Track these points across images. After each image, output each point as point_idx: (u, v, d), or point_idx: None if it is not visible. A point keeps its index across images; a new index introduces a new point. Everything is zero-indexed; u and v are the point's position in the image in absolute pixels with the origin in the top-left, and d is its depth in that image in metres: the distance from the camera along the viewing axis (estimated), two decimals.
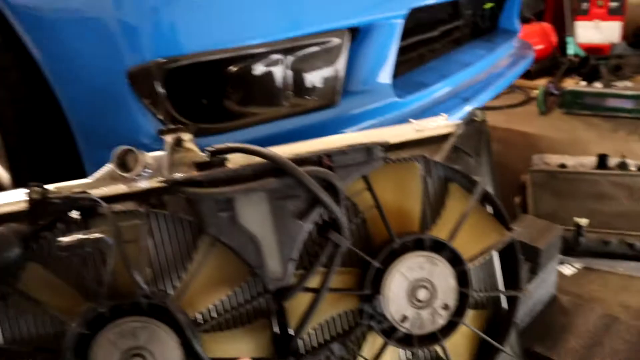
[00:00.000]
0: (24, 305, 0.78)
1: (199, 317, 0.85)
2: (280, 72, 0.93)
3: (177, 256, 0.83)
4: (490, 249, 0.89)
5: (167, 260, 0.83)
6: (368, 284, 0.84)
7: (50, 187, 0.80)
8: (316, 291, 0.79)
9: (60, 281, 0.80)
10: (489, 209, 0.93)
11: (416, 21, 1.11)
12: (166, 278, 0.83)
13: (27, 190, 0.78)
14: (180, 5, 0.87)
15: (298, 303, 0.84)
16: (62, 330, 0.81)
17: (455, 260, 0.86)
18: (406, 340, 0.88)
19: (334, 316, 0.90)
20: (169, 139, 0.81)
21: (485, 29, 1.56)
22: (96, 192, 0.81)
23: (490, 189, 0.90)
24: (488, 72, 1.36)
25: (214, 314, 0.86)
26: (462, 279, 0.87)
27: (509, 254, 0.94)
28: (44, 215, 0.78)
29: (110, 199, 0.80)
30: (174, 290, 0.83)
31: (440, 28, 1.39)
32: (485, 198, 0.90)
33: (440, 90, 1.17)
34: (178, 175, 0.74)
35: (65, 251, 0.70)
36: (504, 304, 0.98)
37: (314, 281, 0.80)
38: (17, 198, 0.81)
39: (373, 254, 0.85)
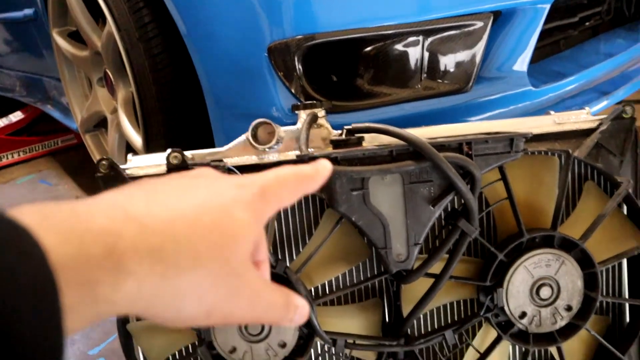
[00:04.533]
0: None
1: (315, 290, 0.87)
2: (417, 54, 0.92)
3: (300, 229, 0.85)
4: (626, 254, 0.84)
5: (290, 232, 0.86)
6: (490, 275, 0.82)
7: (187, 153, 0.84)
8: (437, 277, 0.79)
9: None
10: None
11: (554, 5, 1.05)
12: (287, 249, 0.86)
13: (167, 155, 0.82)
14: None
15: (414, 287, 0.84)
16: None
17: (585, 262, 0.82)
18: (521, 337, 0.85)
19: (449, 304, 0.90)
20: (303, 114, 0.82)
21: (630, 16, 1.44)
22: (229, 162, 0.84)
23: (631, 193, 0.84)
24: (630, 65, 1.27)
25: (330, 288, 0.88)
26: (590, 281, 0.83)
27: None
28: None
29: (242, 169, 0.82)
30: (294, 261, 0.86)
31: (579, 14, 1.30)
32: (626, 201, 0.84)
33: (578, 81, 1.10)
34: (314, 150, 0.75)
35: None
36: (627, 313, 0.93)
37: (434, 267, 0.80)
38: (156, 162, 0.86)
39: (498, 245, 0.83)
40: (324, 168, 0.44)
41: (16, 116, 2.82)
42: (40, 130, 2.83)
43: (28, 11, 1.84)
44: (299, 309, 0.42)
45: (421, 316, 0.90)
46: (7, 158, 2.67)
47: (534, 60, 1.13)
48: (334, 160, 0.70)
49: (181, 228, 0.33)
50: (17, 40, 2.29)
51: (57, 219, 0.29)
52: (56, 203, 0.31)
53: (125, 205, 0.32)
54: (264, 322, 0.78)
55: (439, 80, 0.95)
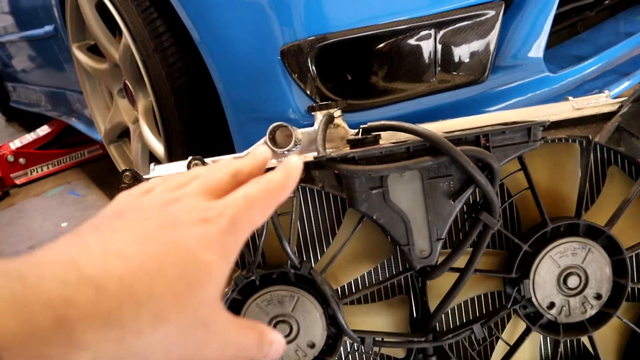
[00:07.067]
0: None
1: (341, 289, 0.88)
2: (429, 48, 0.91)
3: (323, 230, 0.86)
4: None
5: (314, 234, 0.86)
6: (515, 267, 0.81)
7: (207, 160, 0.85)
8: (461, 271, 0.78)
9: None
10: None
11: None
12: (312, 250, 0.87)
13: (188, 163, 0.84)
14: None
15: (439, 282, 0.83)
16: None
17: (613, 249, 0.81)
18: (551, 328, 0.84)
19: (476, 297, 0.89)
20: (319, 115, 0.82)
21: None
22: None
23: None
24: None
25: (356, 287, 0.88)
26: (619, 268, 0.81)
27: None
28: None
29: None
30: (319, 262, 0.86)
31: None
32: None
33: (597, 64, 1.08)
34: (333, 151, 0.76)
35: None
36: None
37: (458, 261, 0.79)
38: (177, 170, 0.87)
39: (522, 236, 0.82)
40: (294, 169, 0.41)
41: (43, 130, 2.89)
42: (67, 142, 2.89)
43: (48, 28, 1.88)
44: (274, 344, 0.40)
45: (449, 311, 0.90)
46: (37, 171, 2.74)
47: (551, 44, 1.11)
48: (352, 160, 0.70)
49: (142, 284, 0.30)
50: (40, 56, 2.35)
51: (2, 287, 0.27)
52: (4, 264, 0.28)
53: (80, 261, 0.29)
54: None
55: (454, 73, 0.94)
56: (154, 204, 0.37)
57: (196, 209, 0.36)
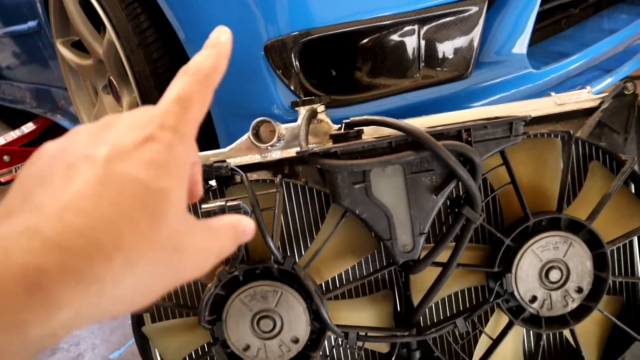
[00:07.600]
0: None
1: (325, 284, 0.88)
2: (413, 43, 0.91)
3: (307, 225, 0.86)
4: (635, 233, 0.83)
5: (297, 229, 0.86)
6: (497, 261, 0.81)
7: None
8: (444, 266, 0.78)
9: None
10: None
11: None
12: (295, 246, 0.87)
13: None
14: None
15: (423, 276, 0.84)
16: (200, 289, 0.88)
17: (594, 243, 0.82)
18: (533, 321, 0.85)
19: (460, 291, 0.90)
20: (303, 110, 0.82)
21: None
22: (232, 161, 0.85)
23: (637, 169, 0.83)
24: (633, 40, 1.25)
25: (340, 283, 0.88)
26: (600, 262, 0.82)
27: None
28: None
29: (245, 168, 0.83)
30: (302, 257, 0.86)
31: None
32: (632, 178, 0.84)
33: (580, 60, 1.08)
34: (316, 146, 0.76)
35: (206, 217, 0.74)
36: None
37: (441, 255, 0.80)
38: None
39: (504, 231, 0.83)
40: (224, 44, 0.37)
41: (28, 127, 2.86)
42: (52, 139, 2.87)
43: (32, 23, 1.86)
44: (246, 231, 0.39)
45: (433, 305, 0.90)
46: None
47: (535, 41, 1.12)
48: (334, 155, 0.70)
49: (105, 234, 0.30)
50: (24, 52, 2.32)
51: None
52: None
53: (40, 227, 0.29)
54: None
55: (438, 68, 0.94)
56: (90, 133, 0.35)
57: (134, 127, 0.33)
